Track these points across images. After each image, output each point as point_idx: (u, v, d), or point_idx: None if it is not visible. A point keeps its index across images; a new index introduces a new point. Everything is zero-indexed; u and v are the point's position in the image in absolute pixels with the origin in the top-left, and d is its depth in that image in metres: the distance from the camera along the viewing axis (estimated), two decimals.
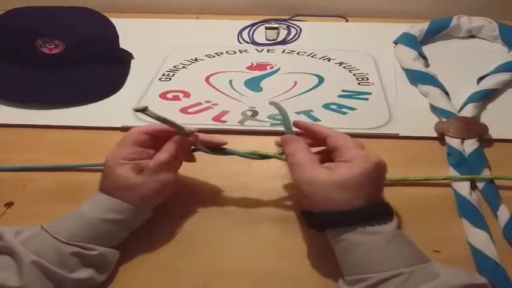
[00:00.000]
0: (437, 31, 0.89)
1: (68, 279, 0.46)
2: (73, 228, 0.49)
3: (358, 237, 0.45)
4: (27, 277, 0.44)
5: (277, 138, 0.55)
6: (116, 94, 0.78)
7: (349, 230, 0.45)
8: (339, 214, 0.46)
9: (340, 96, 0.76)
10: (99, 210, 0.50)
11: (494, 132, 0.66)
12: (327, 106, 0.73)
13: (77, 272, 0.47)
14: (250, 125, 0.70)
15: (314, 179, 0.47)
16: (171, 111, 0.73)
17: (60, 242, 0.47)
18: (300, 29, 0.96)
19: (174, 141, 0.53)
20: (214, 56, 0.88)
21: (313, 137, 0.54)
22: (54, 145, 0.69)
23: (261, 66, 0.85)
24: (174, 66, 0.85)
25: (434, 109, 0.71)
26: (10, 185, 0.62)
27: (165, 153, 0.52)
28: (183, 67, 0.85)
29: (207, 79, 0.81)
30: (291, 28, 0.97)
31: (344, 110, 0.72)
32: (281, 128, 0.64)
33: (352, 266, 0.45)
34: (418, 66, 0.79)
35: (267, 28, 0.95)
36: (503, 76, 0.75)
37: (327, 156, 0.52)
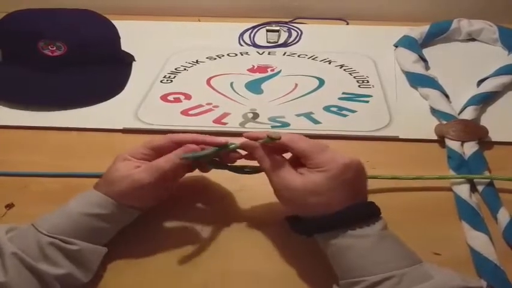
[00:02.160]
0: (438, 34, 0.89)
1: (49, 275, 0.45)
2: (56, 221, 0.49)
3: (346, 241, 0.44)
4: (10, 271, 0.44)
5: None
6: (117, 96, 0.79)
7: (336, 235, 0.45)
8: (321, 219, 0.46)
9: (340, 98, 0.76)
10: (83, 205, 0.50)
11: (494, 135, 0.66)
12: (327, 108, 0.73)
13: (57, 267, 0.46)
14: (251, 127, 0.70)
15: (287, 184, 0.48)
16: (172, 114, 0.73)
17: (41, 234, 0.47)
18: (301, 32, 0.97)
19: (174, 153, 0.52)
20: (215, 59, 0.89)
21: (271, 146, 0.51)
22: (55, 146, 0.69)
23: (262, 69, 0.85)
24: (176, 69, 0.85)
25: (434, 112, 0.71)
26: (12, 186, 0.62)
27: (163, 160, 0.52)
28: (185, 69, 0.85)
29: (208, 81, 0.81)
30: (292, 31, 0.97)
31: (344, 112, 0.73)
32: (282, 131, 0.64)
33: (344, 269, 0.45)
34: (418, 69, 0.79)
35: (268, 31, 0.96)
36: (503, 79, 0.75)
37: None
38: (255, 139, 0.51)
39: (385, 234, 0.45)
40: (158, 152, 0.54)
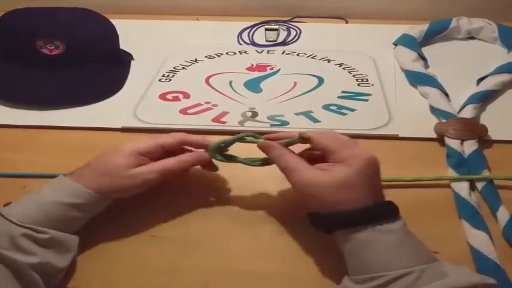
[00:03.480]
0: (437, 32, 0.89)
1: (22, 264, 0.44)
2: (27, 210, 0.48)
3: (369, 236, 0.44)
4: None
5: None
6: (116, 95, 0.78)
7: (359, 230, 0.45)
8: (349, 214, 0.45)
9: (339, 97, 0.76)
10: (58, 194, 0.50)
11: (493, 133, 0.66)
12: (326, 107, 0.73)
13: (31, 256, 0.46)
14: (250, 125, 0.70)
15: (312, 181, 0.47)
16: (170, 112, 0.73)
17: (12, 223, 0.46)
18: (300, 30, 0.97)
19: (190, 155, 0.55)
20: (214, 57, 0.88)
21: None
22: (54, 146, 0.69)
23: (260, 67, 0.85)
24: (174, 67, 0.85)
25: (433, 110, 0.71)
26: (10, 186, 0.62)
27: (175, 162, 0.54)
28: (183, 68, 0.85)
29: (206, 80, 0.81)
30: (291, 29, 0.97)
31: (344, 111, 0.72)
32: (281, 129, 0.64)
33: (361, 265, 0.44)
34: (418, 67, 0.79)
35: (266, 29, 0.96)
36: (503, 77, 0.75)
37: (312, 156, 0.52)
38: (275, 139, 0.53)
39: (407, 231, 0.46)
40: (165, 150, 0.54)
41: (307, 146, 0.53)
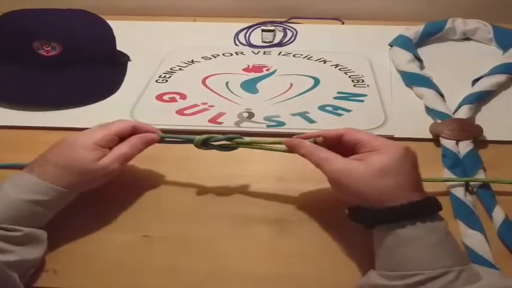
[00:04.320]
0: (432, 33, 0.89)
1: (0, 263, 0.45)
2: None
3: (413, 232, 0.43)
4: None
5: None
6: (112, 96, 0.79)
7: (403, 225, 0.43)
8: (394, 209, 0.44)
9: (335, 98, 0.76)
10: (23, 191, 0.49)
11: (488, 134, 0.66)
12: (322, 108, 0.74)
13: (6, 254, 0.46)
14: (246, 126, 0.70)
15: (346, 170, 0.46)
16: (167, 113, 0.73)
17: None
18: (296, 32, 0.97)
19: (139, 137, 0.56)
20: (210, 58, 0.89)
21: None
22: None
23: (257, 68, 0.85)
24: (171, 68, 0.85)
25: (429, 111, 0.71)
26: None
27: (128, 147, 0.55)
28: (180, 69, 0.85)
29: (203, 81, 0.81)
30: (287, 30, 0.97)
31: (339, 111, 0.73)
32: (277, 130, 0.64)
33: (398, 261, 0.43)
34: (413, 68, 0.80)
35: (263, 30, 0.96)
36: (498, 78, 0.75)
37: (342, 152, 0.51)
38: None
39: (449, 231, 0.45)
40: (120, 137, 0.55)
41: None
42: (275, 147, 0.55)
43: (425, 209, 0.44)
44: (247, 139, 0.56)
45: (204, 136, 0.55)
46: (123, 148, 0.55)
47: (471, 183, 0.59)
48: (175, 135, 0.58)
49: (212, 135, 0.55)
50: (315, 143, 0.51)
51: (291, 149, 0.54)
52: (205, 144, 0.56)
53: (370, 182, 0.45)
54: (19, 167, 0.55)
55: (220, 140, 0.56)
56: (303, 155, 0.52)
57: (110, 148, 0.55)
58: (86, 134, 0.55)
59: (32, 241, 0.49)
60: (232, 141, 0.56)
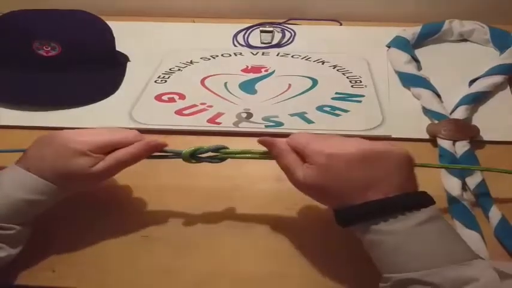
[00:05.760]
0: (430, 35, 0.89)
1: None
2: None
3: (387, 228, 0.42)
4: None
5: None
6: (111, 96, 0.79)
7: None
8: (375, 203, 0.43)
9: (333, 98, 0.76)
10: (22, 190, 0.48)
11: (485, 134, 0.67)
12: (320, 108, 0.74)
13: None
14: (244, 126, 0.70)
15: (300, 183, 0.47)
16: (166, 113, 0.74)
17: None
18: (294, 33, 0.97)
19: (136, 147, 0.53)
20: (209, 59, 0.89)
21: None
22: None
23: (255, 69, 0.85)
24: (170, 69, 0.86)
25: (426, 111, 0.72)
26: None
27: (126, 154, 0.52)
28: (179, 69, 0.86)
29: (202, 81, 0.82)
30: (286, 31, 0.98)
31: (337, 112, 0.73)
32: (275, 130, 0.64)
33: (408, 259, 0.41)
34: (411, 69, 0.80)
35: (261, 31, 0.96)
36: (495, 79, 0.76)
37: None
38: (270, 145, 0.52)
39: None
40: (118, 145, 0.53)
41: None
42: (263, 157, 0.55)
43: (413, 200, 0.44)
44: (236, 149, 0.55)
45: (191, 149, 0.53)
46: (121, 155, 0.52)
47: (468, 183, 0.59)
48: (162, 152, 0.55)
49: (199, 147, 0.53)
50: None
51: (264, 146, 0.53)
52: (193, 157, 0.54)
53: (318, 193, 0.47)
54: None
55: (206, 151, 0.54)
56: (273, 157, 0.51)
57: (108, 153, 0.52)
58: (81, 135, 0.52)
59: (20, 237, 0.49)
60: (218, 151, 0.55)
